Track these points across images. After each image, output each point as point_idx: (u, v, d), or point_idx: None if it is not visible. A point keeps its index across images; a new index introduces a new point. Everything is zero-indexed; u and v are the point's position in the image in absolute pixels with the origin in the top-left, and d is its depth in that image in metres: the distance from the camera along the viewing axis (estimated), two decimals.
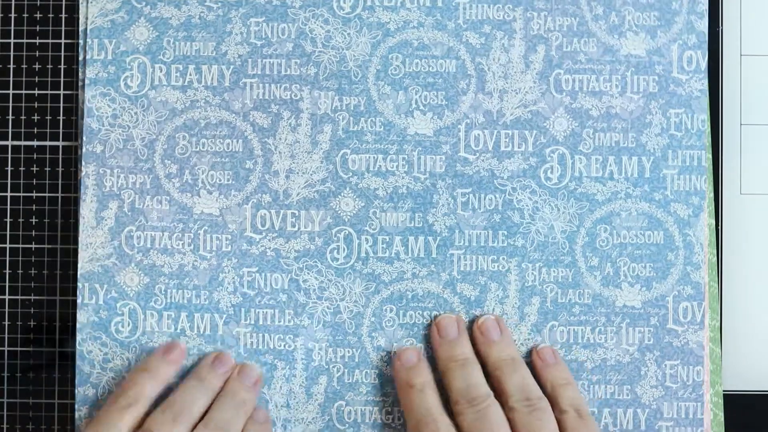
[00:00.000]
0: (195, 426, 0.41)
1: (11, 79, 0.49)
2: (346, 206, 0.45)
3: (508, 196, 0.44)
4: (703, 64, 0.45)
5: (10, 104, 0.49)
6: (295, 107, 0.45)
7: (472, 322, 0.45)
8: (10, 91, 0.49)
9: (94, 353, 0.45)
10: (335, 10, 0.45)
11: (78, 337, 0.45)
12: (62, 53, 0.49)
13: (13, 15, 0.49)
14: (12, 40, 0.49)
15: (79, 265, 0.45)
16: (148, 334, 0.45)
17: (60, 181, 0.48)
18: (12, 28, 0.49)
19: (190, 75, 0.45)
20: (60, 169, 0.48)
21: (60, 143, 0.49)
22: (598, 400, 0.45)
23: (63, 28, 0.49)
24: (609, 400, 0.45)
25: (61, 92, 0.49)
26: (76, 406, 0.45)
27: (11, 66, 0.49)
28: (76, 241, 0.48)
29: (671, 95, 0.45)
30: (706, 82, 0.45)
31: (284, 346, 0.44)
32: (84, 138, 0.45)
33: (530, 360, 0.44)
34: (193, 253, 0.45)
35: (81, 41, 0.46)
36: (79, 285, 0.45)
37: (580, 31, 0.45)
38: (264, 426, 0.44)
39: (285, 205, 0.45)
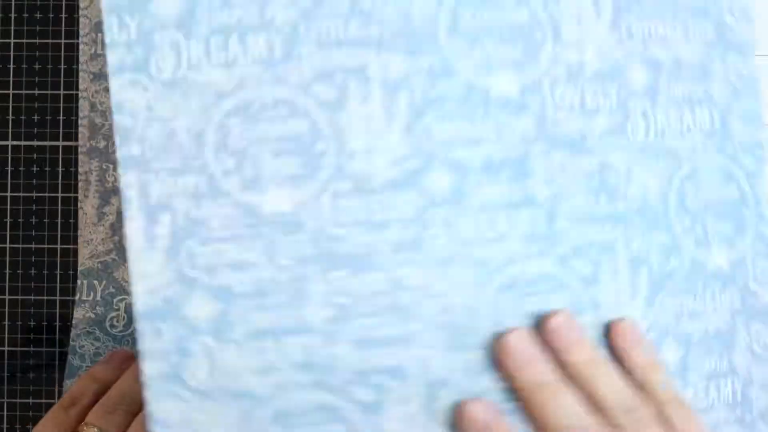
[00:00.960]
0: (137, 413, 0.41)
1: (11, 79, 0.49)
2: (438, 183, 0.38)
3: (602, 157, 0.40)
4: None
5: (10, 104, 0.49)
6: (362, 75, 0.38)
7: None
8: (10, 91, 0.49)
9: (170, 410, 0.38)
10: None
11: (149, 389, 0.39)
12: (62, 53, 0.49)
13: (13, 15, 0.49)
14: (12, 40, 0.49)
15: (137, 300, 0.36)
16: (230, 374, 0.36)
17: (60, 181, 0.48)
18: (12, 28, 0.49)
19: (233, 48, 0.37)
20: (60, 169, 0.48)
21: (60, 143, 0.49)
22: (705, 372, 0.40)
23: (63, 28, 0.49)
24: (714, 371, 0.40)
25: (61, 92, 0.49)
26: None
27: (11, 66, 0.49)
28: (76, 241, 0.48)
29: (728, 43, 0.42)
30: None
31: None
32: (118, 139, 0.37)
33: (608, 337, 0.39)
34: (269, 264, 0.37)
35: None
36: (140, 326, 0.36)
37: None
38: None
39: (369, 191, 0.38)
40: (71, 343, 0.44)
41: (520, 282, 0.38)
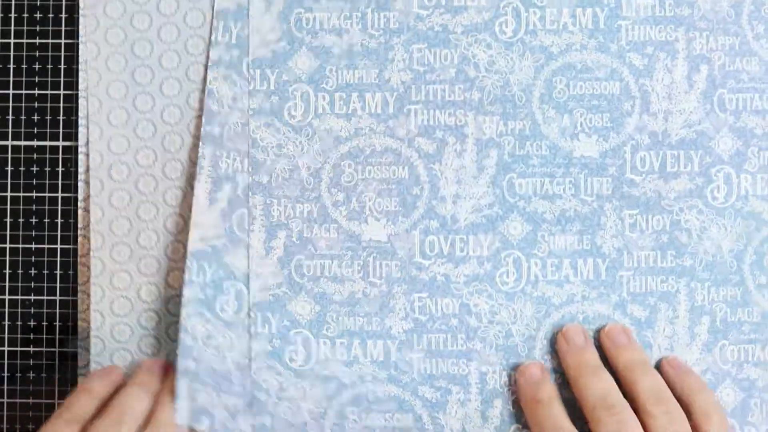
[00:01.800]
0: (140, 427, 0.42)
1: (11, 79, 0.49)
2: (514, 230, 0.45)
3: (676, 217, 0.44)
4: None
5: (10, 104, 0.49)
6: (460, 132, 0.45)
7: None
8: (10, 91, 0.49)
9: (270, 382, 0.44)
10: (497, 35, 0.45)
11: (253, 366, 0.44)
12: (62, 53, 0.49)
13: (13, 15, 0.49)
14: (12, 40, 0.49)
15: (251, 295, 0.45)
16: (322, 362, 0.44)
17: (60, 181, 0.48)
18: (12, 28, 0.49)
19: (354, 103, 0.45)
20: (60, 169, 0.48)
21: (60, 143, 0.49)
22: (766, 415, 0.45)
23: (63, 28, 0.49)
24: None
25: (61, 92, 0.49)
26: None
27: (11, 66, 0.49)
28: (76, 241, 0.48)
29: None
30: None
31: (458, 370, 0.44)
32: (250, 168, 0.45)
33: (660, 371, 0.44)
34: (363, 280, 0.45)
35: (245, 68, 0.45)
36: (251, 314, 0.45)
37: (742, 50, 0.45)
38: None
39: (453, 230, 0.45)
40: (182, 322, 0.44)
41: (577, 319, 0.45)
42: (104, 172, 0.47)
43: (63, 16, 0.49)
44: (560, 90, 0.45)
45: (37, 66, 0.49)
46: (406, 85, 0.45)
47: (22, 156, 0.49)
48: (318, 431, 0.44)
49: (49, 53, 0.49)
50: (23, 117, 0.49)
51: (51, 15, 0.49)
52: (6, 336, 0.48)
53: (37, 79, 0.49)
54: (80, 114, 0.47)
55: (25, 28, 0.49)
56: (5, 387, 0.48)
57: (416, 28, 0.45)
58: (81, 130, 0.47)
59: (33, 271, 0.48)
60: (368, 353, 0.44)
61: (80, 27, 0.47)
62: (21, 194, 0.48)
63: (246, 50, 0.45)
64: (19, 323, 0.48)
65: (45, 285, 0.48)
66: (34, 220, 0.48)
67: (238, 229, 0.45)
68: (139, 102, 0.47)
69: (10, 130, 0.49)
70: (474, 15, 0.44)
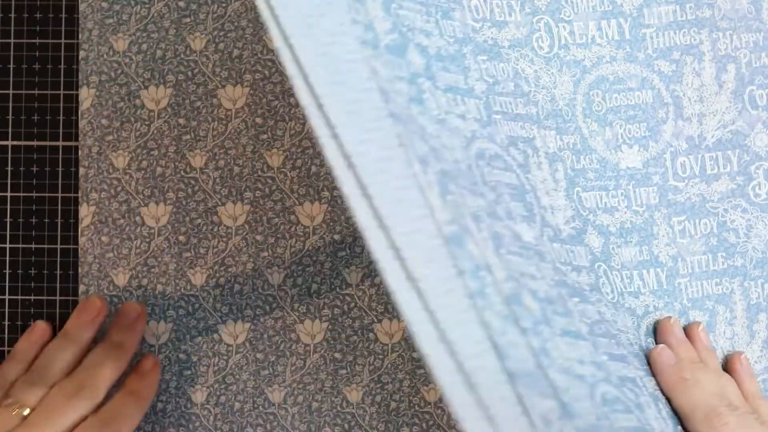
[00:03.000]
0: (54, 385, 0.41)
1: (11, 79, 0.49)
2: (593, 243, 0.45)
3: (721, 218, 0.45)
4: None
5: (10, 104, 0.49)
6: (532, 146, 0.44)
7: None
8: (10, 91, 0.49)
9: None
10: (536, 50, 0.44)
11: None
12: (62, 53, 0.49)
13: (13, 15, 0.49)
14: (12, 40, 0.49)
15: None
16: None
17: (60, 181, 0.48)
18: (12, 28, 0.49)
19: (460, 105, 0.42)
20: (60, 169, 0.49)
21: (60, 143, 0.49)
22: None
23: (63, 28, 0.49)
24: None
25: (61, 92, 0.49)
26: None
27: (11, 66, 0.49)
28: (76, 241, 0.48)
29: None
30: None
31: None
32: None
33: (727, 368, 0.44)
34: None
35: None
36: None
37: (767, 45, 0.45)
38: (149, 376, 0.44)
39: (561, 240, 0.44)
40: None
41: (651, 327, 0.44)
42: None
43: (63, 16, 0.49)
44: (598, 103, 0.45)
45: (37, 66, 0.49)
46: (485, 95, 0.43)
47: (22, 156, 0.49)
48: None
49: (49, 53, 0.49)
50: (23, 117, 0.49)
51: (51, 15, 0.49)
52: (6, 336, 0.48)
53: (37, 79, 0.49)
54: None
55: (25, 28, 0.49)
56: None
57: (475, 39, 0.44)
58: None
59: (33, 271, 0.48)
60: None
61: None
62: (21, 194, 0.48)
63: None
64: (19, 323, 0.48)
65: (45, 285, 0.48)
66: (34, 220, 0.48)
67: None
68: None
69: (10, 130, 0.49)
70: (514, 30, 0.45)
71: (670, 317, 0.44)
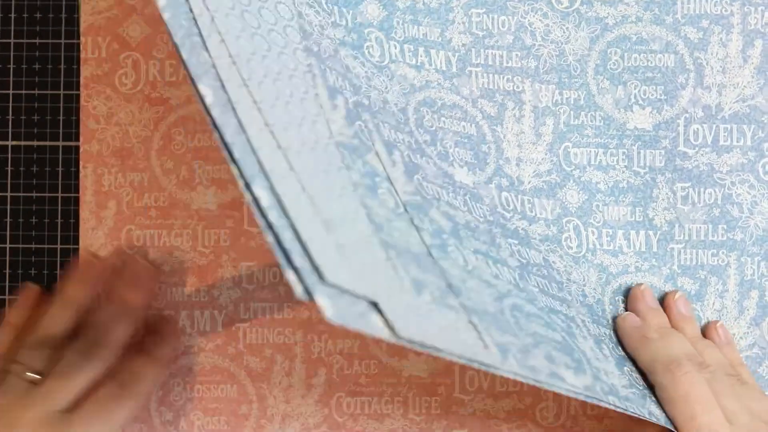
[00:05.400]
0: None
1: (11, 79, 0.49)
2: (571, 198, 0.45)
3: (728, 190, 0.45)
4: None
5: (10, 104, 0.49)
6: (518, 99, 0.44)
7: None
8: (10, 91, 0.49)
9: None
10: (554, 4, 0.45)
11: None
12: (62, 53, 0.49)
13: (13, 15, 0.49)
14: (12, 40, 0.49)
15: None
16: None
17: (60, 181, 0.48)
18: (12, 28, 0.49)
19: (421, 56, 0.45)
20: (60, 169, 0.48)
21: (60, 143, 0.48)
22: None
23: (63, 28, 0.49)
24: None
25: (61, 92, 0.49)
26: None
27: (11, 66, 0.49)
28: (76, 241, 0.48)
29: None
30: None
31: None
32: (351, 88, 0.43)
33: (704, 336, 0.44)
34: (469, 213, 0.44)
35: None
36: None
37: None
38: (169, 339, 0.43)
39: (521, 191, 0.45)
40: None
41: (624, 287, 0.45)
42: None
43: (63, 16, 0.49)
44: (615, 61, 0.45)
45: (37, 66, 0.49)
46: (466, 48, 0.45)
47: (22, 156, 0.48)
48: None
49: (49, 53, 0.49)
50: (23, 117, 0.49)
51: (51, 15, 0.49)
52: None
53: (37, 79, 0.49)
54: (288, 15, 0.44)
55: (25, 28, 0.49)
56: None
57: None
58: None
59: (33, 271, 0.48)
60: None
61: None
62: (21, 194, 0.48)
63: None
64: None
65: (45, 285, 0.48)
66: (34, 220, 0.48)
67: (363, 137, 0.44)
68: None
69: (10, 130, 0.49)
70: None
71: (641, 285, 0.44)
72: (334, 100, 0.40)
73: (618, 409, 0.38)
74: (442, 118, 0.44)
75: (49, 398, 0.38)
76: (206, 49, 0.32)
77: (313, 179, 0.32)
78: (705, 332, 0.45)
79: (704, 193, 0.45)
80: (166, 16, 0.32)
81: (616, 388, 0.41)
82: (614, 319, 0.44)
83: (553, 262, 0.44)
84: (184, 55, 0.31)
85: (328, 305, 0.29)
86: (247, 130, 0.31)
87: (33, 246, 0.48)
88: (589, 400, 0.37)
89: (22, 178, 0.48)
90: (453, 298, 0.38)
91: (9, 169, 0.48)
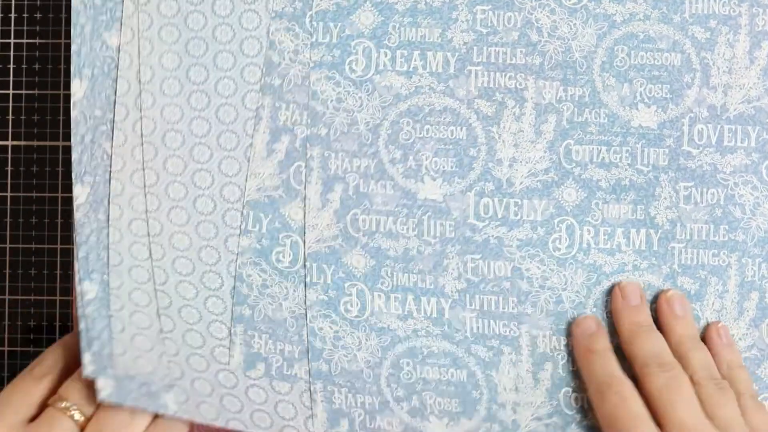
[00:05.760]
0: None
1: (11, 79, 0.49)
2: (568, 196, 0.45)
3: (730, 191, 0.45)
4: None
5: (10, 104, 0.49)
6: (519, 96, 0.45)
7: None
8: (10, 91, 0.49)
9: (325, 330, 0.44)
10: (562, 1, 0.45)
11: (308, 314, 0.44)
12: (62, 53, 0.49)
13: (13, 15, 0.49)
14: (12, 40, 0.49)
15: (306, 246, 0.45)
16: (377, 314, 0.44)
17: (60, 181, 0.48)
18: (12, 28, 0.49)
19: (415, 61, 0.45)
20: (60, 169, 0.48)
21: (60, 143, 0.49)
22: None
23: (63, 28, 0.49)
24: None
25: (61, 92, 0.49)
26: (312, 380, 0.45)
27: (11, 66, 0.49)
28: None
29: None
30: None
31: (509, 332, 0.44)
32: (309, 120, 0.45)
33: (704, 336, 0.45)
34: (417, 238, 0.44)
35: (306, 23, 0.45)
36: (307, 265, 0.45)
37: None
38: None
39: (508, 194, 0.45)
40: (238, 270, 0.44)
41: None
42: (158, 138, 0.46)
43: (63, 16, 0.49)
44: (621, 59, 0.45)
45: (37, 66, 0.49)
46: (468, 46, 0.45)
47: (22, 156, 0.49)
48: (374, 380, 0.44)
49: (49, 53, 0.49)
50: (23, 117, 0.49)
51: (51, 15, 0.49)
52: (6, 336, 0.48)
53: (37, 79, 0.49)
54: (252, 52, 0.46)
55: (25, 28, 0.49)
56: (5, 387, 0.48)
57: None
58: (252, 68, 0.46)
59: (33, 271, 0.48)
60: (422, 309, 0.45)
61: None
62: (21, 194, 0.48)
63: (309, 3, 0.45)
64: (19, 323, 0.48)
65: (45, 285, 0.48)
66: (34, 220, 0.48)
67: (294, 181, 0.45)
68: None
69: (10, 130, 0.49)
70: None
71: (621, 282, 0.44)
72: (274, 144, 0.44)
73: None
74: (426, 126, 0.44)
75: None
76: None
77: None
78: (705, 333, 0.44)
79: (707, 193, 0.45)
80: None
81: (517, 425, 0.43)
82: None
83: (526, 269, 0.44)
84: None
85: (106, 386, 0.38)
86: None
87: (33, 246, 0.48)
88: None
89: (22, 178, 0.48)
90: (301, 364, 0.44)
91: (9, 169, 0.48)
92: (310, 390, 0.44)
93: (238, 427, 0.43)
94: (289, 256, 0.45)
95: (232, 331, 0.44)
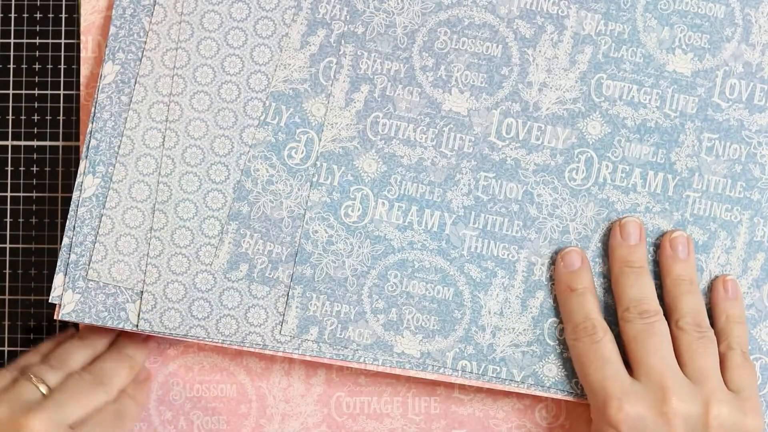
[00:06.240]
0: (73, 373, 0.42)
1: (11, 79, 0.49)
2: (593, 129, 0.45)
3: (753, 150, 0.45)
4: None
5: (10, 104, 0.49)
6: (559, 23, 0.44)
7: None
8: (10, 91, 0.49)
9: (320, 233, 0.44)
10: None
11: (306, 215, 0.44)
12: (62, 53, 0.49)
13: (13, 15, 0.49)
14: (12, 40, 0.49)
15: (321, 144, 0.44)
16: (376, 222, 0.44)
17: (60, 181, 0.48)
18: (12, 28, 0.49)
19: None
20: (60, 169, 0.48)
21: (60, 143, 0.49)
22: None
23: (63, 28, 0.49)
24: None
25: (61, 92, 0.49)
26: (292, 284, 0.44)
27: (11, 66, 0.49)
28: None
29: None
30: None
31: (507, 255, 0.44)
32: (348, 16, 0.44)
33: (710, 288, 0.44)
34: (434, 149, 0.44)
35: None
36: (317, 164, 0.44)
37: None
38: (142, 385, 0.45)
39: (533, 117, 0.44)
40: (247, 164, 0.44)
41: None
42: (197, 18, 0.45)
43: (63, 16, 0.49)
44: (666, 2, 0.45)
45: (37, 66, 0.49)
46: None
47: (22, 156, 0.49)
48: (356, 289, 0.44)
49: (49, 53, 0.49)
50: (23, 117, 0.49)
51: (51, 15, 0.49)
52: (6, 336, 0.48)
53: (37, 79, 0.49)
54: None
55: (25, 28, 0.49)
56: None
57: None
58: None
59: (33, 271, 0.48)
60: (424, 222, 0.44)
61: None
62: (21, 194, 0.48)
63: None
64: (19, 323, 0.48)
65: (45, 285, 0.48)
66: (34, 220, 0.48)
67: (323, 77, 0.44)
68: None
69: (10, 130, 0.49)
70: None
71: (623, 218, 0.44)
72: (310, 36, 0.44)
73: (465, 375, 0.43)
74: (462, 39, 0.44)
75: (58, 410, 0.40)
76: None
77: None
78: (712, 284, 0.44)
79: (730, 147, 0.45)
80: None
81: (492, 349, 0.43)
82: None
83: (537, 195, 0.44)
84: None
85: (71, 302, 0.39)
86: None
87: (33, 246, 0.48)
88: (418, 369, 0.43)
89: (22, 178, 0.48)
90: (285, 267, 0.44)
91: (9, 169, 0.48)
92: (287, 295, 0.44)
93: (200, 334, 0.43)
94: (302, 152, 0.44)
95: (224, 228, 0.44)
